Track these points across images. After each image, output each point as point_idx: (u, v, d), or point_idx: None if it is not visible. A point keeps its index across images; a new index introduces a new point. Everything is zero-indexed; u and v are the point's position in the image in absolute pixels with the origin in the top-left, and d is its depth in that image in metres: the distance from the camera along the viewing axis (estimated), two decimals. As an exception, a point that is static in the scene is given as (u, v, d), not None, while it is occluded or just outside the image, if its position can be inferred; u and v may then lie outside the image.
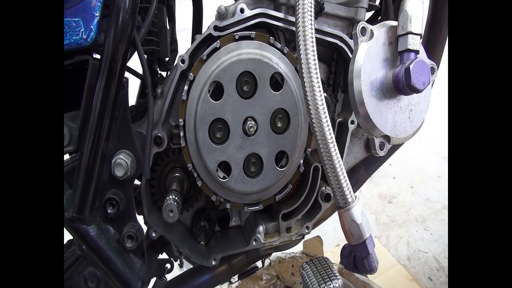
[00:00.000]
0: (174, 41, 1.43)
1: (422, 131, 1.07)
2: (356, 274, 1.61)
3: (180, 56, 0.99)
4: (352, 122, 1.08)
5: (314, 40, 0.83)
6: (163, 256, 1.23)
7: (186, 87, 0.98)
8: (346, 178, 0.84)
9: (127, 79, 0.96)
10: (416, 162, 3.58)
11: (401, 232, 2.86)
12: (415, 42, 0.92)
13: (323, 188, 1.13)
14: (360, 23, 0.92)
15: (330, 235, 2.71)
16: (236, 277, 1.43)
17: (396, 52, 0.96)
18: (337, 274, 0.99)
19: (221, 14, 1.00)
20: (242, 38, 0.99)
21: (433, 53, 1.26)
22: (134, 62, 1.04)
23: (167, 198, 0.98)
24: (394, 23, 0.96)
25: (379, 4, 1.18)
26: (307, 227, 1.17)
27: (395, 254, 2.64)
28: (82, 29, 0.89)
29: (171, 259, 1.19)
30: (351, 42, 1.06)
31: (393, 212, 3.05)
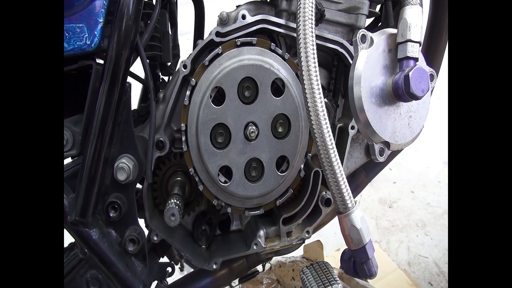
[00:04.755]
0: (176, 46, 1.44)
1: (422, 136, 1.08)
2: (356, 279, 1.61)
3: (182, 62, 1.00)
4: (353, 128, 1.09)
5: (314, 46, 0.84)
6: (164, 259, 1.23)
7: (188, 92, 0.99)
8: (346, 183, 0.85)
9: (130, 84, 0.97)
10: (416, 167, 3.58)
11: (401, 237, 2.86)
12: (414, 50, 0.93)
13: (324, 193, 1.13)
14: (360, 30, 0.93)
15: (330, 240, 2.71)
16: (236, 281, 1.43)
17: (396, 59, 0.96)
18: (337, 279, 1.00)
19: (223, 20, 1.01)
20: (244, 44, 1.00)
21: (432, 60, 1.27)
22: (137, 67, 1.05)
23: (169, 202, 0.99)
24: (394, 30, 0.97)
25: (379, 11, 1.19)
26: (308, 232, 1.18)
27: (396, 259, 2.64)
28: (86, 35, 0.90)
29: (172, 262, 1.19)
30: (351, 48, 1.07)
31: (394, 217, 3.05)
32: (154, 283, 1.13)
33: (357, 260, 0.89)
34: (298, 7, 0.86)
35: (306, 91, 0.83)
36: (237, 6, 1.06)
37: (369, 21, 1.27)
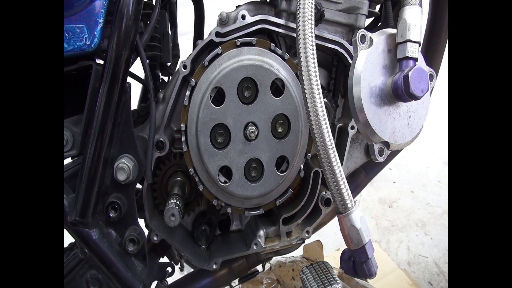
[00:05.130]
0: (176, 46, 1.44)
1: (422, 136, 1.08)
2: (356, 279, 1.61)
3: (182, 62, 1.00)
4: (352, 128, 1.09)
5: (314, 47, 0.84)
6: (164, 259, 1.24)
7: (188, 93, 0.99)
8: (346, 183, 0.85)
9: (129, 84, 0.97)
10: (416, 166, 3.58)
11: (401, 236, 2.86)
12: (413, 50, 0.93)
13: (324, 192, 1.14)
14: (359, 30, 0.94)
15: (330, 239, 2.71)
16: (236, 281, 1.43)
17: (395, 59, 0.96)
18: (337, 279, 1.00)
19: (223, 21, 1.01)
20: (244, 44, 1.00)
21: (432, 60, 1.27)
22: (137, 67, 1.05)
23: (169, 202, 0.99)
24: (393, 30, 0.98)
25: (378, 11, 1.19)
26: (307, 232, 1.18)
27: (395, 259, 2.64)
28: (86, 35, 0.90)
29: (172, 262, 1.20)
30: (351, 48, 1.07)
31: (393, 217, 3.05)
32: (154, 283, 1.13)
33: (357, 260, 0.89)
34: (298, 7, 0.86)
35: (305, 91, 0.83)
36: (237, 6, 1.06)
37: (368, 21, 1.27)
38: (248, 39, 1.00)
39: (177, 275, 1.26)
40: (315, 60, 0.83)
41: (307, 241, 1.27)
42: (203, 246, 1.15)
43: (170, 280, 1.19)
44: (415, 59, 0.94)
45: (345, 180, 0.85)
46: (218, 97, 1.00)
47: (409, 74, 0.89)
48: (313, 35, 0.84)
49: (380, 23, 1.25)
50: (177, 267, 1.26)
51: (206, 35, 1.03)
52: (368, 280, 1.69)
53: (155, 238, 1.06)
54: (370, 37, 0.95)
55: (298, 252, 1.62)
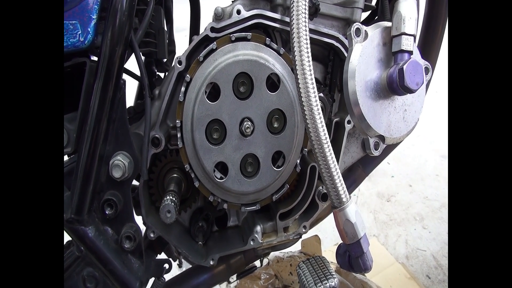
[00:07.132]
0: (171, 42, 1.43)
1: (420, 130, 1.08)
2: (353, 273, 1.62)
3: (177, 58, 0.99)
4: (349, 122, 1.09)
5: (308, 40, 0.84)
6: (162, 256, 1.24)
7: (183, 89, 0.98)
8: (341, 178, 0.85)
9: (124, 81, 0.97)
10: (414, 160, 3.58)
11: (399, 230, 2.87)
12: (408, 43, 0.93)
13: (320, 187, 1.13)
14: (354, 24, 0.93)
15: (329, 234, 2.72)
16: (234, 277, 1.43)
17: (390, 52, 0.96)
18: (334, 273, 1.00)
19: (218, 16, 1.00)
20: (239, 39, 0.99)
21: (428, 53, 1.26)
22: (133, 64, 1.05)
23: (165, 199, 0.99)
24: (389, 24, 0.97)
25: (375, 4, 1.18)
26: (304, 227, 1.18)
27: (394, 253, 2.64)
28: (80, 32, 0.89)
29: (170, 259, 1.20)
30: (347, 42, 1.06)
31: (392, 211, 3.06)
32: (151, 280, 1.13)
33: (352, 254, 0.89)
34: (292, 1, 0.86)
35: (300, 85, 0.82)
36: (232, 1, 1.06)
37: (365, 14, 1.26)
38: (243, 34, 0.99)
39: (176, 271, 1.26)
40: (309, 54, 0.83)
41: (305, 236, 1.27)
42: (200, 243, 1.15)
43: (169, 276, 1.19)
44: (410, 52, 0.94)
45: (340, 174, 0.85)
46: (214, 92, 0.99)
47: (404, 67, 0.89)
48: (307, 29, 0.84)
49: (377, 17, 1.24)
50: (175, 264, 1.26)
51: (202, 31, 1.02)
52: (366, 274, 1.69)
53: (152, 235, 1.06)
54: (365, 30, 0.94)
55: (296, 247, 1.63)
